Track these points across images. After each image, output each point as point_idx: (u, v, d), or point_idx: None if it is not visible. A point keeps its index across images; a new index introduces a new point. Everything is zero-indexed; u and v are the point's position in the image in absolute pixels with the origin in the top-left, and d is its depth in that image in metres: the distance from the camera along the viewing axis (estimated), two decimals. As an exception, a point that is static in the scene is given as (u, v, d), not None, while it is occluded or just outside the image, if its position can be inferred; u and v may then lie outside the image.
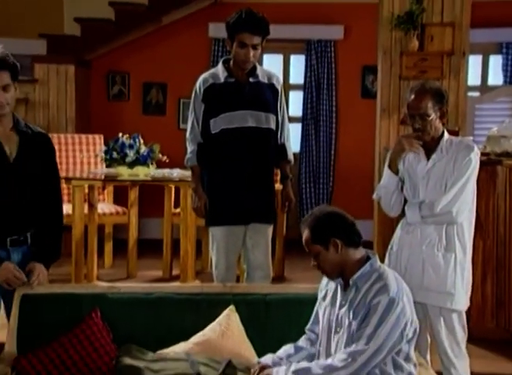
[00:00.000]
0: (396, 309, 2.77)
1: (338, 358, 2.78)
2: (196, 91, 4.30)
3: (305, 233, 2.93)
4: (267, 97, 4.30)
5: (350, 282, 2.90)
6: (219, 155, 4.26)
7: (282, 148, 4.43)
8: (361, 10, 7.65)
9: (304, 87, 8.00)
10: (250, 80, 4.26)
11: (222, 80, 4.25)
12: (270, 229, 4.39)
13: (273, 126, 4.32)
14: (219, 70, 4.28)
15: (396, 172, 3.62)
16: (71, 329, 3.24)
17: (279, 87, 4.39)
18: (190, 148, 4.34)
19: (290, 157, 4.48)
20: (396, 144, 3.61)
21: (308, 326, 3.14)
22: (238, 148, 4.23)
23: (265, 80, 4.32)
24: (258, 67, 4.32)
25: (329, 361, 2.81)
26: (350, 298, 2.89)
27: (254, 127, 4.24)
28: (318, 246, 2.90)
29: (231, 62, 4.27)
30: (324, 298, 3.05)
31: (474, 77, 7.71)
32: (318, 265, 2.93)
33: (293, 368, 2.83)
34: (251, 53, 4.14)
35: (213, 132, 4.25)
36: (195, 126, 4.31)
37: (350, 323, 2.84)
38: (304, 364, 2.86)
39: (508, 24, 7.63)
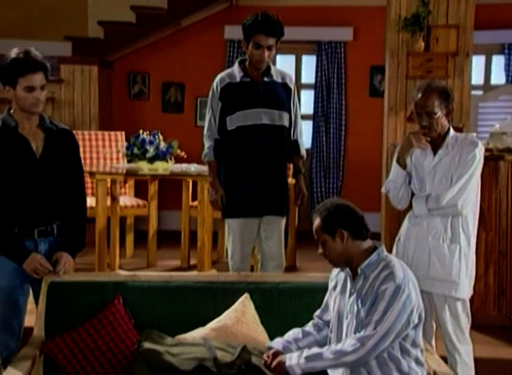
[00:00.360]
0: (402, 296, 2.77)
1: (347, 343, 2.79)
2: (213, 90, 4.30)
3: (316, 222, 2.94)
4: (280, 95, 4.28)
5: (359, 271, 2.90)
6: (235, 151, 4.26)
7: (295, 144, 4.41)
8: (370, 13, 7.63)
9: (315, 87, 7.98)
10: (265, 79, 4.25)
11: (238, 79, 4.24)
12: (283, 221, 4.38)
13: (286, 123, 4.31)
14: (235, 70, 4.27)
15: (404, 166, 3.61)
16: (95, 315, 3.25)
17: (292, 86, 4.37)
18: (208, 143, 4.34)
19: (303, 152, 4.47)
20: (405, 140, 3.60)
21: (317, 312, 3.14)
22: (253, 144, 4.22)
23: (279, 80, 4.31)
24: (272, 67, 4.30)
25: (339, 346, 2.81)
26: (358, 286, 2.89)
27: (268, 124, 4.23)
28: (325, 235, 2.91)
29: (246, 63, 4.26)
30: (334, 287, 3.05)
31: (477, 77, 7.67)
32: (324, 253, 2.94)
33: (305, 354, 2.83)
34: (266, 54, 4.12)
35: (229, 129, 4.25)
36: (212, 123, 4.31)
37: (358, 310, 2.85)
38: (316, 350, 2.86)
39: (510, 26, 7.57)
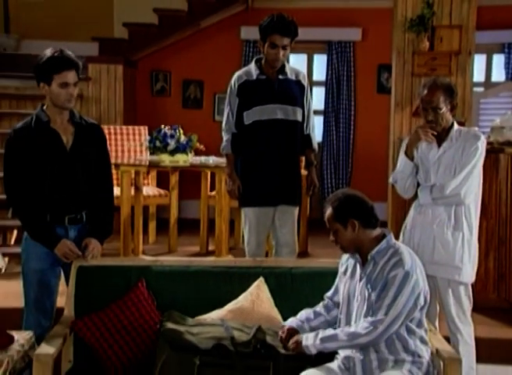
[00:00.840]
0: (411, 281, 2.78)
1: (361, 326, 2.80)
2: (231, 87, 4.29)
3: (328, 211, 2.93)
4: (294, 92, 4.27)
5: (369, 257, 2.89)
6: (251, 144, 4.25)
7: (308, 138, 4.40)
8: (377, 14, 7.57)
9: (326, 84, 7.94)
10: (280, 77, 4.23)
11: (255, 77, 4.23)
12: (296, 210, 4.37)
13: (299, 118, 4.29)
14: (252, 68, 4.26)
15: (411, 158, 3.59)
16: (120, 297, 3.27)
17: (305, 83, 4.35)
18: (225, 137, 4.33)
19: (315, 146, 4.45)
20: (413, 134, 3.59)
21: (328, 294, 3.15)
22: (268, 138, 4.21)
23: (293, 77, 4.29)
24: (287, 65, 4.29)
25: (353, 329, 2.82)
26: (368, 271, 2.89)
27: (282, 119, 4.22)
28: (337, 224, 2.91)
29: (262, 61, 4.24)
30: (344, 272, 3.05)
31: (479, 74, 7.62)
32: (335, 240, 2.94)
33: (320, 335, 2.85)
34: (281, 53, 4.11)
35: (246, 123, 4.24)
36: (230, 118, 4.30)
37: (369, 295, 2.85)
38: (331, 331, 2.88)
39: (510, 26, 7.50)
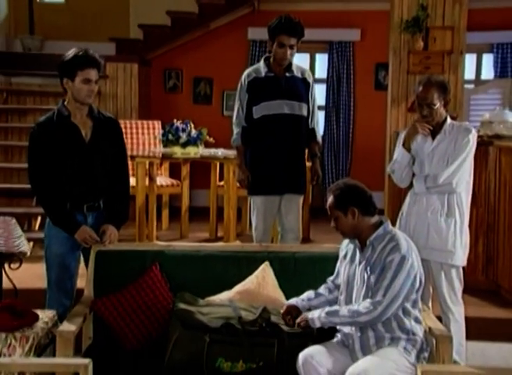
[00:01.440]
0: (406, 264, 2.78)
1: (362, 305, 2.80)
2: (241, 83, 4.27)
3: (330, 199, 2.92)
4: (300, 89, 4.24)
5: (367, 242, 2.89)
6: (260, 137, 4.23)
7: (312, 132, 4.37)
8: (375, 16, 7.53)
9: (327, 81, 7.91)
10: (287, 74, 4.21)
11: (263, 74, 4.21)
12: (301, 198, 4.35)
13: (305, 113, 4.27)
14: (261, 66, 4.24)
15: (409, 150, 3.58)
16: (136, 279, 3.28)
17: (310, 80, 4.33)
18: (236, 130, 4.32)
19: (319, 139, 4.43)
20: (411, 127, 3.58)
21: (331, 277, 3.15)
22: (275, 131, 4.19)
23: (299, 75, 4.27)
24: (293, 64, 4.26)
25: (355, 307, 2.82)
26: (367, 256, 2.89)
27: (288, 114, 4.20)
28: (338, 211, 2.90)
29: (271, 60, 4.22)
30: (345, 256, 3.05)
31: (469, 72, 7.59)
32: (336, 226, 2.94)
33: (326, 310, 2.86)
34: (288, 52, 4.09)
35: (255, 117, 4.22)
36: (240, 113, 4.28)
37: (368, 277, 2.85)
38: (335, 307, 2.90)
39: (499, 28, 7.47)
